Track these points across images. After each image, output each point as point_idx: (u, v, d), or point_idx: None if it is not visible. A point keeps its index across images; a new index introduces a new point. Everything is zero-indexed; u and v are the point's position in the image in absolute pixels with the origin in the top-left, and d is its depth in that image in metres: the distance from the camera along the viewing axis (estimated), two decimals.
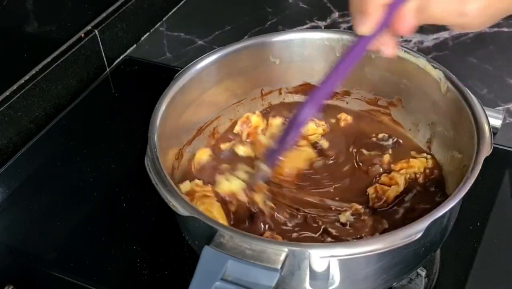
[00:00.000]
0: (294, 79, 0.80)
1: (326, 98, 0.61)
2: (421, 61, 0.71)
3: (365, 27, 0.54)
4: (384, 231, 0.65)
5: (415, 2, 0.52)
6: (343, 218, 0.67)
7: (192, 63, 0.73)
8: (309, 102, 0.61)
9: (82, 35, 0.96)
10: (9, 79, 0.86)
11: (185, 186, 0.70)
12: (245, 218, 0.67)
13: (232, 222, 0.66)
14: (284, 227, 0.66)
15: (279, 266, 0.53)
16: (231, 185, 0.69)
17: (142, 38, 1.08)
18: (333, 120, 0.79)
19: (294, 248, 0.54)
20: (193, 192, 0.69)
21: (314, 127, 0.77)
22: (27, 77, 0.88)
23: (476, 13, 0.51)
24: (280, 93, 0.80)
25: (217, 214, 0.66)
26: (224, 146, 0.76)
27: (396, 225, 0.65)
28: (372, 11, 0.53)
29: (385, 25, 0.54)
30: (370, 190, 0.69)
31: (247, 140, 0.76)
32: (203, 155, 0.74)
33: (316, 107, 0.61)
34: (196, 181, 0.70)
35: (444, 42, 1.02)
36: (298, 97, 0.80)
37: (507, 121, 0.87)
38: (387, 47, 0.56)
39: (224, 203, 0.67)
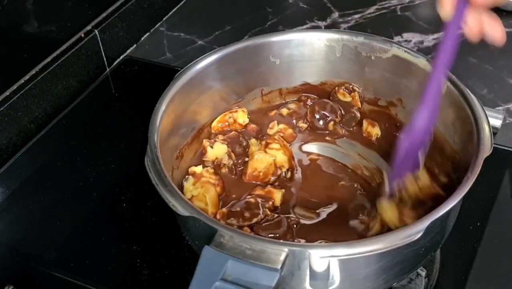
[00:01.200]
0: (294, 79, 0.80)
1: (439, 96, 0.59)
2: (421, 61, 0.71)
3: (443, 10, 0.53)
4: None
5: None
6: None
7: (192, 63, 0.73)
8: (422, 108, 0.59)
9: (82, 35, 0.96)
10: (9, 79, 0.86)
11: (198, 168, 0.71)
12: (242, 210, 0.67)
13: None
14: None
15: (279, 266, 0.53)
16: (215, 150, 0.72)
17: (142, 38, 1.08)
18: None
19: (294, 248, 0.54)
20: (200, 176, 0.70)
21: None
22: (27, 77, 0.88)
23: None
24: (281, 94, 0.80)
25: (209, 199, 0.67)
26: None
27: None
28: None
29: (464, 5, 0.52)
30: None
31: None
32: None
33: (432, 110, 0.59)
34: (208, 168, 0.72)
35: None
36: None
37: (507, 121, 0.87)
38: (493, 29, 0.54)
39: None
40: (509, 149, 0.83)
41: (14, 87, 0.86)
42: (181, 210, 0.58)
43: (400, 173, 0.64)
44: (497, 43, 0.55)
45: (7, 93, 0.85)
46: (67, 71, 0.93)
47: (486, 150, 0.61)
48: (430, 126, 0.61)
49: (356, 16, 1.08)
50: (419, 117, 0.60)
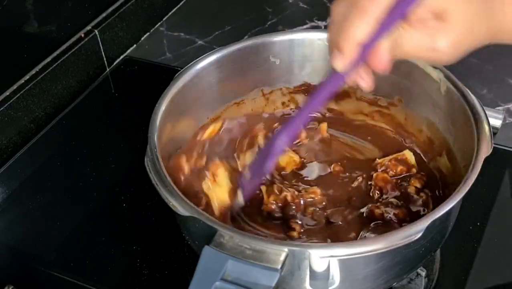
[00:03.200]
0: (294, 79, 0.80)
1: (300, 129, 0.63)
2: (421, 61, 0.71)
3: (340, 64, 0.54)
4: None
5: (389, 40, 0.53)
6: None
7: (192, 63, 0.73)
8: (284, 132, 0.62)
9: (82, 35, 0.96)
10: (9, 79, 0.86)
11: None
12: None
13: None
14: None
15: (279, 266, 0.53)
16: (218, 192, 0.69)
17: (142, 38, 1.08)
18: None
19: (294, 248, 0.54)
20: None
21: None
22: (27, 77, 0.88)
23: (447, 48, 0.53)
24: (283, 94, 0.80)
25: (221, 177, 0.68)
26: None
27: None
28: (347, 50, 0.53)
29: (360, 62, 0.54)
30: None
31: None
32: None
33: (290, 137, 0.62)
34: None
35: None
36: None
37: (507, 121, 0.87)
38: (364, 81, 0.57)
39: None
40: (509, 149, 0.83)
41: (14, 87, 0.86)
42: (181, 210, 0.58)
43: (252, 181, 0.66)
44: (365, 90, 0.59)
45: (7, 93, 0.85)
46: (67, 71, 0.93)
47: (486, 150, 0.61)
48: (283, 150, 0.63)
49: None
50: (278, 139, 0.62)
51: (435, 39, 0.53)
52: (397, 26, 0.52)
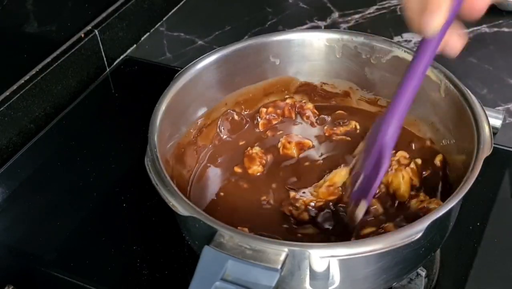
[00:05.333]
0: (294, 80, 0.79)
1: (404, 115, 0.58)
2: None
3: (437, 22, 0.47)
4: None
5: None
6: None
7: (192, 63, 0.73)
8: (390, 120, 0.58)
9: (82, 35, 0.96)
10: (9, 79, 0.86)
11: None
12: None
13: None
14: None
15: (279, 266, 0.53)
16: None
17: (142, 38, 1.08)
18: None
19: (294, 248, 0.54)
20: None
21: None
22: (27, 77, 0.88)
23: None
24: (283, 93, 0.80)
25: None
26: None
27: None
28: (441, 2, 0.46)
29: (453, 17, 0.48)
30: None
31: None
32: None
33: (399, 125, 0.58)
34: None
35: None
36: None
37: (507, 121, 0.87)
38: (454, 44, 0.51)
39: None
40: (509, 149, 0.83)
41: (14, 87, 0.86)
42: (181, 210, 0.58)
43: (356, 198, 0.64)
44: (454, 55, 0.53)
45: (7, 93, 0.85)
46: (67, 71, 0.93)
47: (486, 150, 0.61)
48: (393, 145, 0.59)
49: (356, 16, 1.08)
50: (387, 132, 0.58)
51: None
52: None
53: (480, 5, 0.48)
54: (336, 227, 0.66)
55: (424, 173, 0.71)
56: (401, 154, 0.71)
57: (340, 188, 0.68)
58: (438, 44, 0.51)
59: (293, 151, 0.75)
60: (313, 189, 0.69)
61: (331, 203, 0.67)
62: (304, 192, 0.69)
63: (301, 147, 0.75)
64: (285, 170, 0.73)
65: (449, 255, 0.71)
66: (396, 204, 0.68)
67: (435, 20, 0.47)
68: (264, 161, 0.73)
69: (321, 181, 0.70)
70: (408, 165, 0.70)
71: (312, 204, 0.67)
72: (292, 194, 0.69)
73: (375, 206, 0.66)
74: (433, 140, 0.73)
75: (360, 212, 0.63)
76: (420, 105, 0.74)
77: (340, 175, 0.69)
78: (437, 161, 0.71)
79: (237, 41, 0.76)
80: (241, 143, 0.77)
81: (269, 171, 0.73)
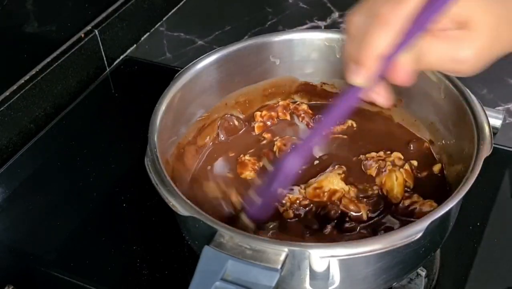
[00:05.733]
0: (294, 79, 0.79)
1: (313, 148, 0.62)
2: None
3: (360, 79, 0.51)
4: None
5: (410, 52, 0.50)
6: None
7: (192, 63, 0.73)
8: (296, 152, 0.60)
9: (82, 35, 0.96)
10: (9, 79, 0.86)
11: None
12: None
13: None
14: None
15: (279, 266, 0.53)
16: None
17: (142, 38, 1.08)
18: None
19: (294, 248, 0.54)
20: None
21: None
22: (27, 77, 0.88)
23: (472, 58, 0.51)
24: (282, 93, 0.80)
25: None
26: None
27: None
28: (367, 63, 0.50)
29: (380, 76, 0.52)
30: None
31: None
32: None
33: (303, 158, 0.60)
34: None
35: None
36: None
37: (507, 121, 0.87)
38: (381, 97, 0.55)
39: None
40: (509, 149, 0.83)
41: (14, 87, 0.86)
42: (181, 210, 0.58)
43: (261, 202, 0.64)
44: (383, 106, 0.57)
45: (7, 93, 0.85)
46: (67, 71, 0.93)
47: (486, 150, 0.61)
48: (295, 171, 0.60)
49: None
50: (290, 160, 0.60)
51: (459, 49, 0.50)
52: (419, 37, 0.49)
53: (400, 80, 0.52)
54: (316, 228, 0.66)
55: (419, 174, 0.71)
56: (396, 155, 0.72)
57: (325, 193, 0.68)
58: (359, 94, 0.54)
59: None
60: (303, 187, 0.69)
61: (312, 205, 0.68)
62: (292, 189, 0.69)
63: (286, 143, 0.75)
64: None
65: (449, 255, 0.71)
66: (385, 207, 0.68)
67: (357, 78, 0.52)
68: (256, 167, 0.73)
69: (312, 180, 0.69)
70: (402, 166, 0.70)
71: (298, 202, 0.68)
72: (279, 190, 0.68)
73: (361, 213, 0.66)
74: (432, 141, 0.74)
75: (247, 223, 0.64)
76: (420, 105, 0.74)
77: (330, 181, 0.68)
78: (435, 169, 0.71)
79: (237, 41, 0.76)
80: (238, 146, 0.77)
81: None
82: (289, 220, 0.67)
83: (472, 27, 0.50)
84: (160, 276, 0.70)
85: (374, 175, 0.70)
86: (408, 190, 0.69)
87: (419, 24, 0.49)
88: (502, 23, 0.51)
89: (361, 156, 0.73)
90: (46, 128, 0.90)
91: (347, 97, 0.55)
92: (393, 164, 0.71)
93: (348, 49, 0.53)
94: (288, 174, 0.61)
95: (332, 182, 0.68)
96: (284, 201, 0.68)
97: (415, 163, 0.71)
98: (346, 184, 0.69)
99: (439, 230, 0.61)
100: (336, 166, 0.71)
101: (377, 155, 0.72)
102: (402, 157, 0.71)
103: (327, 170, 0.71)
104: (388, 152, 0.72)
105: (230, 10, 1.13)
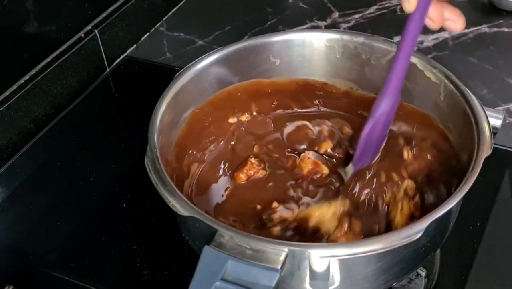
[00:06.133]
0: (294, 80, 0.79)
1: (401, 86, 0.61)
2: (421, 61, 0.71)
3: (407, 3, 0.54)
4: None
5: None
6: None
7: (192, 63, 0.73)
8: (385, 95, 0.61)
9: (82, 35, 0.96)
10: (9, 79, 0.86)
11: None
12: None
13: None
14: None
15: (279, 266, 0.53)
16: None
17: (142, 38, 1.08)
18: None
19: (294, 248, 0.54)
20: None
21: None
22: (27, 77, 0.88)
23: None
24: (282, 93, 0.80)
25: None
26: None
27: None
28: None
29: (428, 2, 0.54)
30: None
31: None
32: None
33: (395, 98, 0.62)
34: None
35: (444, 42, 1.02)
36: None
37: (507, 121, 0.87)
38: (453, 21, 0.56)
39: None
40: (509, 149, 0.83)
41: (14, 87, 0.86)
42: (181, 210, 0.58)
43: (362, 160, 0.66)
44: (457, 30, 0.58)
45: (7, 93, 0.85)
46: (67, 71, 0.93)
47: (486, 150, 0.61)
48: (392, 114, 0.63)
49: (356, 16, 1.08)
50: (380, 105, 0.62)
51: None
52: None
53: None
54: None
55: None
56: (408, 184, 0.68)
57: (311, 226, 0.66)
58: (421, 18, 0.56)
59: (308, 167, 0.73)
60: (296, 209, 0.68)
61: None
62: (287, 207, 0.68)
63: (315, 170, 0.73)
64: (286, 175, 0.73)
65: (449, 255, 0.71)
66: None
67: (405, 2, 0.54)
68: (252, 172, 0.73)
69: (304, 208, 0.68)
70: (413, 197, 0.67)
71: (286, 223, 0.66)
72: (274, 204, 0.68)
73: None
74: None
75: (348, 173, 0.68)
76: (420, 105, 0.74)
77: (320, 213, 0.66)
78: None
79: (237, 41, 0.76)
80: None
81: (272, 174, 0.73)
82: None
83: None
84: (160, 276, 0.70)
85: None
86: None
87: None
88: None
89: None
90: (46, 128, 0.90)
91: (408, 30, 0.57)
92: (405, 194, 0.67)
93: None
94: (388, 115, 0.62)
95: (321, 215, 0.66)
96: (274, 216, 0.67)
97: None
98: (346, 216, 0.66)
99: (439, 230, 0.61)
100: (332, 202, 0.68)
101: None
102: (414, 187, 0.68)
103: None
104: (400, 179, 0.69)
105: (230, 10, 1.13)
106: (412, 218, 0.66)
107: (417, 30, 0.57)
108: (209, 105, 0.75)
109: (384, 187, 0.67)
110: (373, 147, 0.67)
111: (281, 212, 0.67)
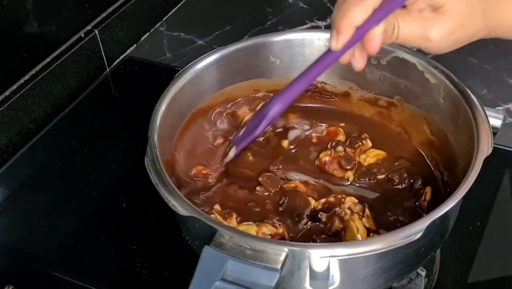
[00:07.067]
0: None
1: (294, 99, 0.65)
2: (421, 62, 0.71)
3: (335, 44, 0.58)
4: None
5: (383, 25, 0.56)
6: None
7: (192, 63, 0.73)
8: (278, 99, 0.65)
9: (82, 35, 0.96)
10: (9, 79, 0.86)
11: None
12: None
13: None
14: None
15: (279, 266, 0.53)
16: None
17: (142, 38, 1.08)
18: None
19: (294, 248, 0.54)
20: None
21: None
22: (27, 77, 0.88)
23: (440, 38, 0.57)
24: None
25: None
26: None
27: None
28: (344, 30, 0.57)
29: (354, 44, 0.58)
30: None
31: None
32: None
33: (284, 106, 0.66)
34: None
35: None
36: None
37: (507, 121, 0.87)
38: (357, 61, 0.61)
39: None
40: (509, 149, 0.83)
41: (14, 87, 0.86)
42: (181, 210, 0.58)
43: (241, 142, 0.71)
44: (357, 70, 0.63)
45: (7, 93, 0.85)
46: (67, 71, 0.93)
47: (486, 150, 0.61)
48: (276, 116, 0.67)
49: None
50: (273, 107, 0.66)
51: (429, 28, 0.57)
52: (394, 12, 0.56)
53: (372, 50, 0.58)
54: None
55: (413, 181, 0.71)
56: (350, 199, 0.67)
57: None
58: (337, 56, 0.60)
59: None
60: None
61: None
62: (274, 224, 0.66)
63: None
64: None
65: (449, 255, 0.71)
66: None
67: (335, 40, 0.58)
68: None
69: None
70: (361, 212, 0.66)
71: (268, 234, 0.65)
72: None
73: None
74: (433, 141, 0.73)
75: (230, 154, 0.71)
76: (420, 105, 0.74)
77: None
78: (427, 193, 0.69)
79: (237, 41, 0.76)
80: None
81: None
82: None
83: (444, 11, 0.57)
84: (160, 276, 0.70)
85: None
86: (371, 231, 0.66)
87: (395, 3, 0.56)
88: (474, 14, 0.58)
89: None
90: (46, 128, 0.90)
91: (327, 57, 0.61)
92: (351, 211, 0.66)
93: (334, 15, 0.58)
94: (268, 119, 0.66)
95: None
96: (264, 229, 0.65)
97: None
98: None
99: (439, 230, 0.61)
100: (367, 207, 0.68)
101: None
102: (356, 201, 0.67)
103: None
104: (343, 196, 0.69)
105: (230, 10, 1.13)
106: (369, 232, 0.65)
107: (329, 64, 0.61)
108: (209, 106, 0.75)
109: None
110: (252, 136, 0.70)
111: (266, 224, 0.66)
